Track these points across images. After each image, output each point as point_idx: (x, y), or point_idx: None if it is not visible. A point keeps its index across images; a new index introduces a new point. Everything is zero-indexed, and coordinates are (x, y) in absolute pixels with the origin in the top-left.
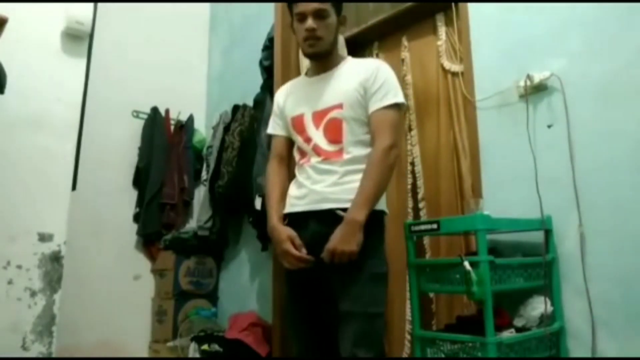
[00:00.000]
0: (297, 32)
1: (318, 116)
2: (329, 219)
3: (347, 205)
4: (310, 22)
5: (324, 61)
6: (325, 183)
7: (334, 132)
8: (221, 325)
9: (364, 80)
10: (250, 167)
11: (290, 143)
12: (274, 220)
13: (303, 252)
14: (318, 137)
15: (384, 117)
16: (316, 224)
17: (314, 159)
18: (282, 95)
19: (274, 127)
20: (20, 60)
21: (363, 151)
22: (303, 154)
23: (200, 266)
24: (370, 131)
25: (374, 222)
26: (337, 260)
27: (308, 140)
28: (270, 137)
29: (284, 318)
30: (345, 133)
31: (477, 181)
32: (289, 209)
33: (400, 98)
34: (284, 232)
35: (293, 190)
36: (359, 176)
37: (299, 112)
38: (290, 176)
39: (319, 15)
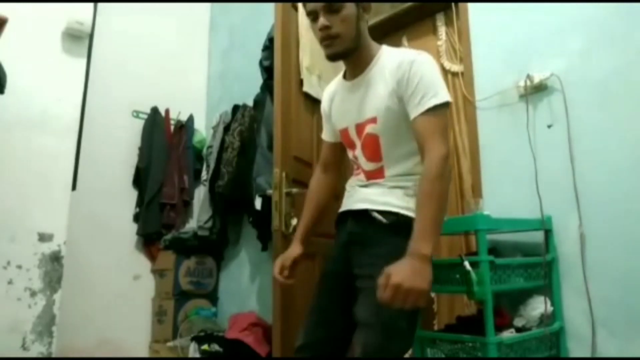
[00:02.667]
0: (314, 33)
1: (359, 130)
2: (364, 219)
3: (381, 207)
4: (322, 20)
5: (352, 61)
6: (372, 189)
7: (371, 150)
8: (221, 325)
9: (397, 83)
10: (250, 167)
11: (337, 148)
12: (297, 235)
13: (284, 274)
14: (360, 154)
15: (429, 124)
16: (353, 223)
17: (361, 179)
18: (326, 100)
19: (324, 132)
20: (20, 60)
21: (405, 165)
22: (356, 166)
23: (200, 266)
24: (416, 142)
25: (402, 230)
26: (400, 299)
27: (355, 157)
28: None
29: (285, 318)
30: (384, 150)
31: (477, 181)
32: (339, 209)
33: (441, 97)
34: (289, 252)
35: (345, 192)
36: (403, 188)
37: (344, 125)
38: (337, 182)
39: (331, 9)
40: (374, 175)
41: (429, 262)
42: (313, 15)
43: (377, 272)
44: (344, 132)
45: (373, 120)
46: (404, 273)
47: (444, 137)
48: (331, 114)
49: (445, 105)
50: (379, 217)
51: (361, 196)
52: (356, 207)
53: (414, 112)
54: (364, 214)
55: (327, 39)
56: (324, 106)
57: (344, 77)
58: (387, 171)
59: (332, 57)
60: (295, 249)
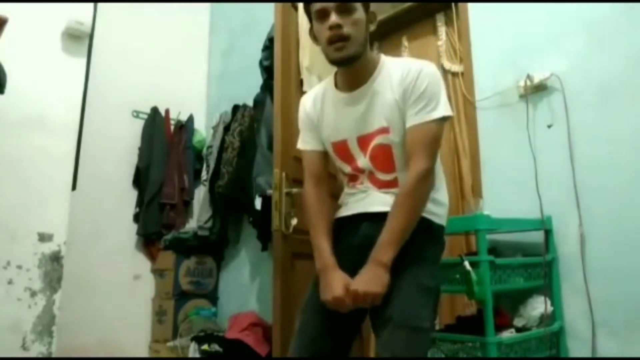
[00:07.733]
0: (319, 34)
1: (363, 142)
2: (382, 222)
3: None
4: (334, 18)
5: (356, 69)
6: (389, 196)
7: (383, 161)
8: (221, 325)
9: (403, 92)
10: (250, 167)
11: (326, 157)
12: (327, 262)
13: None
14: (368, 166)
15: (420, 135)
16: (368, 226)
17: (371, 187)
18: (311, 108)
19: (305, 142)
20: (20, 60)
21: None
22: (354, 178)
23: (200, 266)
24: (406, 150)
25: (428, 234)
26: (360, 303)
27: (359, 170)
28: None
29: (285, 318)
30: (397, 160)
31: (477, 181)
32: (343, 213)
33: (441, 110)
34: (340, 280)
35: (348, 197)
36: None
37: (341, 137)
38: (330, 193)
39: (344, 9)
40: (388, 185)
41: (386, 268)
42: (321, 13)
43: (394, 273)
44: (340, 144)
45: (385, 130)
46: (361, 279)
47: (429, 152)
48: (320, 124)
49: (442, 119)
50: None
51: (378, 199)
52: (374, 210)
53: (410, 122)
54: (383, 217)
55: (338, 39)
56: (309, 114)
57: (336, 86)
58: (402, 181)
59: (341, 61)
60: (343, 275)
